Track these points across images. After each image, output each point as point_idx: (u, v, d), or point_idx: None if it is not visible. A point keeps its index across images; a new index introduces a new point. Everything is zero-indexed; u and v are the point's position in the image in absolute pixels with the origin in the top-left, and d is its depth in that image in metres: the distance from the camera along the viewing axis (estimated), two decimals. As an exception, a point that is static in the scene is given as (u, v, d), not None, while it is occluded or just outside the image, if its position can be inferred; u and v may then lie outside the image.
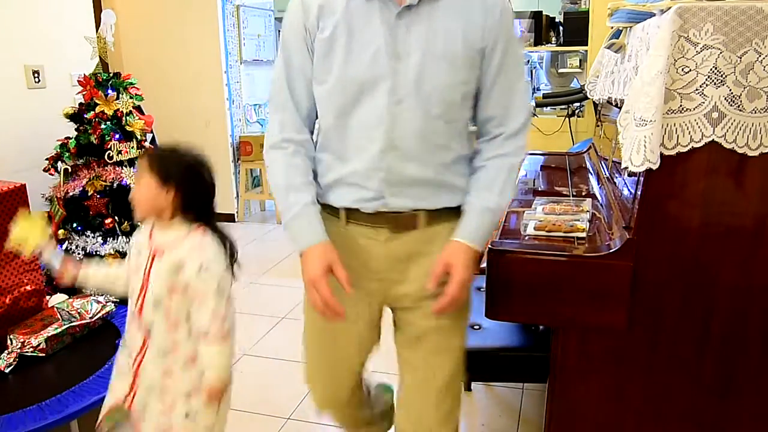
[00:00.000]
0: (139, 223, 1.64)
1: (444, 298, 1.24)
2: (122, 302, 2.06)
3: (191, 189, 1.49)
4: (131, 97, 3.14)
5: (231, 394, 1.56)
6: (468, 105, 1.28)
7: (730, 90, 1.26)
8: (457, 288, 1.23)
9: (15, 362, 2.09)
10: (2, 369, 2.05)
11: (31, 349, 2.13)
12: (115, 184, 2.96)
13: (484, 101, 1.29)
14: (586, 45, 3.56)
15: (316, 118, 1.35)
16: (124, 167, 3.02)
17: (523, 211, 1.79)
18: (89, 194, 2.98)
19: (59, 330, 2.20)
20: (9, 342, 2.13)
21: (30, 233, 1.54)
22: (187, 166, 1.51)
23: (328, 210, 1.33)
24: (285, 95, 1.31)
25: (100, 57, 3.18)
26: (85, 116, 3.04)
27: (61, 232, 3.02)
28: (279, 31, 6.69)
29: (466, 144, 1.31)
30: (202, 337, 1.45)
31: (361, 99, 1.22)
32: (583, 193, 2.02)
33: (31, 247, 1.54)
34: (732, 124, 1.27)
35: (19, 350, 2.11)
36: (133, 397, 1.53)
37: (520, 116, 1.28)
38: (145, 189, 1.46)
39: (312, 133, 1.37)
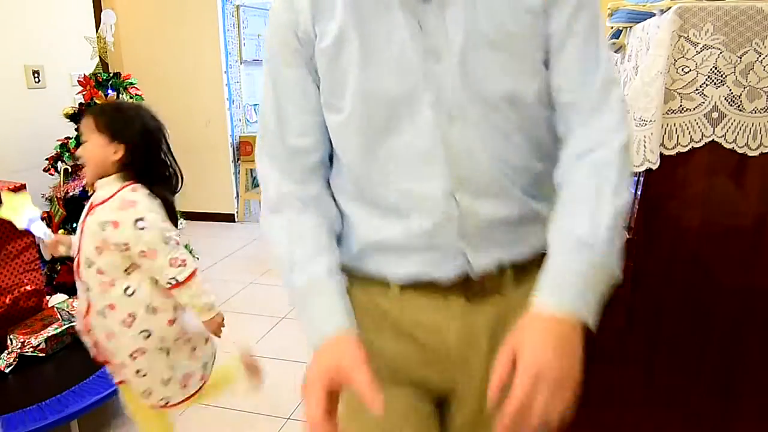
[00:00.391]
0: (87, 187, 1.73)
1: (508, 410, 0.70)
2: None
3: (136, 146, 1.50)
4: (131, 97, 3.14)
5: (212, 343, 1.67)
6: (546, 100, 0.87)
7: (730, 90, 1.26)
8: (527, 390, 0.71)
9: (15, 362, 2.09)
10: (2, 369, 2.05)
11: (31, 349, 2.13)
12: (115, 184, 2.96)
13: (553, 73, 0.86)
14: (586, 45, 3.56)
15: (332, 158, 0.95)
16: (124, 167, 3.02)
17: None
18: (89, 194, 2.98)
19: (59, 330, 2.20)
20: (9, 342, 2.13)
21: (18, 206, 1.57)
22: (133, 123, 1.53)
23: (369, 277, 0.94)
24: (277, 134, 0.91)
25: (100, 57, 3.18)
26: (85, 116, 3.04)
27: (61, 232, 3.02)
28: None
29: (554, 154, 0.89)
30: (172, 288, 1.48)
31: (396, 123, 0.85)
32: (583, 193, 2.02)
33: (22, 218, 1.57)
34: (732, 124, 1.27)
35: (19, 350, 2.12)
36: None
37: (604, 89, 0.84)
38: (93, 148, 1.48)
39: (327, 179, 0.96)
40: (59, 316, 2.26)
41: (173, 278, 1.47)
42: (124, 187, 1.48)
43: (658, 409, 1.48)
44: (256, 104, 5.48)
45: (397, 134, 0.85)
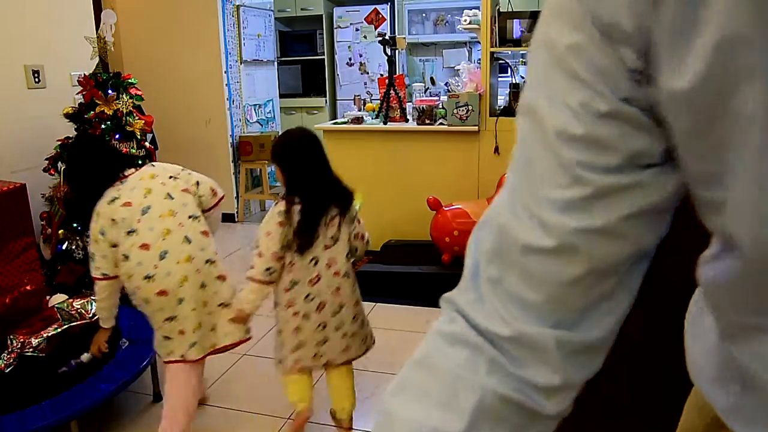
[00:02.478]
0: None
1: None
2: (122, 302, 2.05)
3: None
4: (131, 97, 3.14)
5: None
6: None
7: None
8: None
9: (15, 362, 2.09)
10: (2, 369, 2.05)
11: (31, 350, 2.13)
12: (115, 184, 2.96)
13: None
14: (586, 45, 3.56)
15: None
16: (124, 167, 3.02)
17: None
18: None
19: (59, 330, 2.20)
20: (9, 342, 2.13)
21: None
22: None
23: None
24: (518, 244, 0.48)
25: (100, 57, 3.18)
26: (85, 116, 3.04)
27: (61, 232, 3.02)
28: (279, 31, 6.67)
29: None
30: None
31: None
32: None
33: None
34: (732, 124, 1.27)
35: (19, 350, 2.11)
36: None
37: None
38: None
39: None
40: (59, 316, 2.26)
41: None
42: None
43: (658, 409, 1.48)
44: (255, 104, 5.48)
45: None
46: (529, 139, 0.48)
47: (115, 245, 1.87)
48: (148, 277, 1.83)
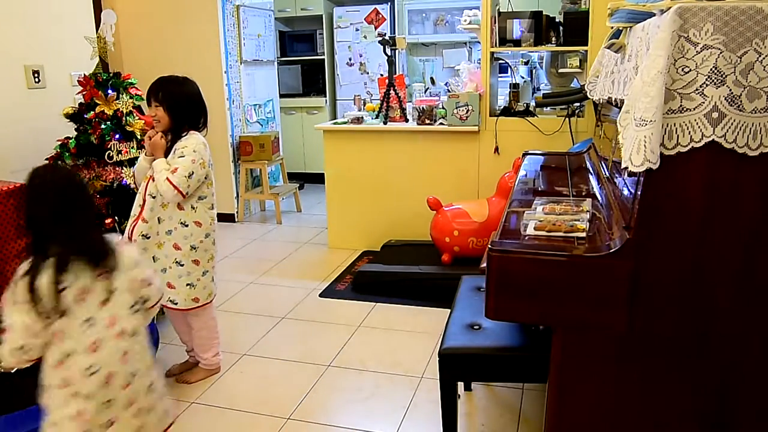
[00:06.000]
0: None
1: None
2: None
3: None
4: (131, 97, 3.13)
5: None
6: None
7: (730, 90, 1.26)
8: None
9: (15, 362, 2.09)
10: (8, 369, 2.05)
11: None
12: (115, 184, 2.96)
13: None
14: (586, 45, 3.56)
15: None
16: (124, 167, 3.02)
17: (523, 211, 1.79)
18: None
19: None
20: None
21: None
22: None
23: None
24: None
25: (100, 57, 3.17)
26: (85, 116, 3.04)
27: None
28: (279, 31, 6.67)
29: None
30: None
31: None
32: (583, 193, 2.02)
33: None
34: (732, 124, 1.27)
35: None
36: None
37: None
38: None
39: None
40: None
41: None
42: None
43: (657, 409, 1.48)
44: (255, 104, 5.48)
45: None
46: None
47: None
48: None
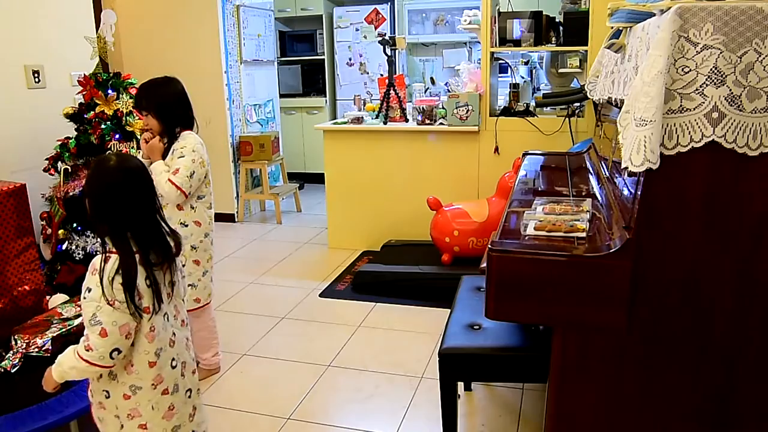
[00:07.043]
0: None
1: None
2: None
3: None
4: (131, 97, 3.14)
5: None
6: None
7: (730, 90, 1.26)
8: None
9: (20, 363, 2.09)
10: (8, 369, 2.06)
11: (36, 350, 2.13)
12: (115, 184, 2.96)
13: None
14: (586, 45, 3.56)
15: None
16: (124, 167, 3.02)
17: (523, 211, 1.79)
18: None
19: (64, 330, 2.20)
20: (14, 342, 2.13)
21: None
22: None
23: None
24: None
25: (100, 57, 3.17)
26: (85, 116, 3.04)
27: (61, 232, 3.02)
28: (279, 31, 6.66)
29: None
30: None
31: None
32: (583, 193, 2.02)
33: None
34: (732, 124, 1.27)
35: (24, 350, 2.11)
36: None
37: None
38: None
39: None
40: (63, 316, 2.26)
41: None
42: None
43: (658, 409, 1.48)
44: (256, 104, 5.48)
45: None
46: None
47: None
48: None
